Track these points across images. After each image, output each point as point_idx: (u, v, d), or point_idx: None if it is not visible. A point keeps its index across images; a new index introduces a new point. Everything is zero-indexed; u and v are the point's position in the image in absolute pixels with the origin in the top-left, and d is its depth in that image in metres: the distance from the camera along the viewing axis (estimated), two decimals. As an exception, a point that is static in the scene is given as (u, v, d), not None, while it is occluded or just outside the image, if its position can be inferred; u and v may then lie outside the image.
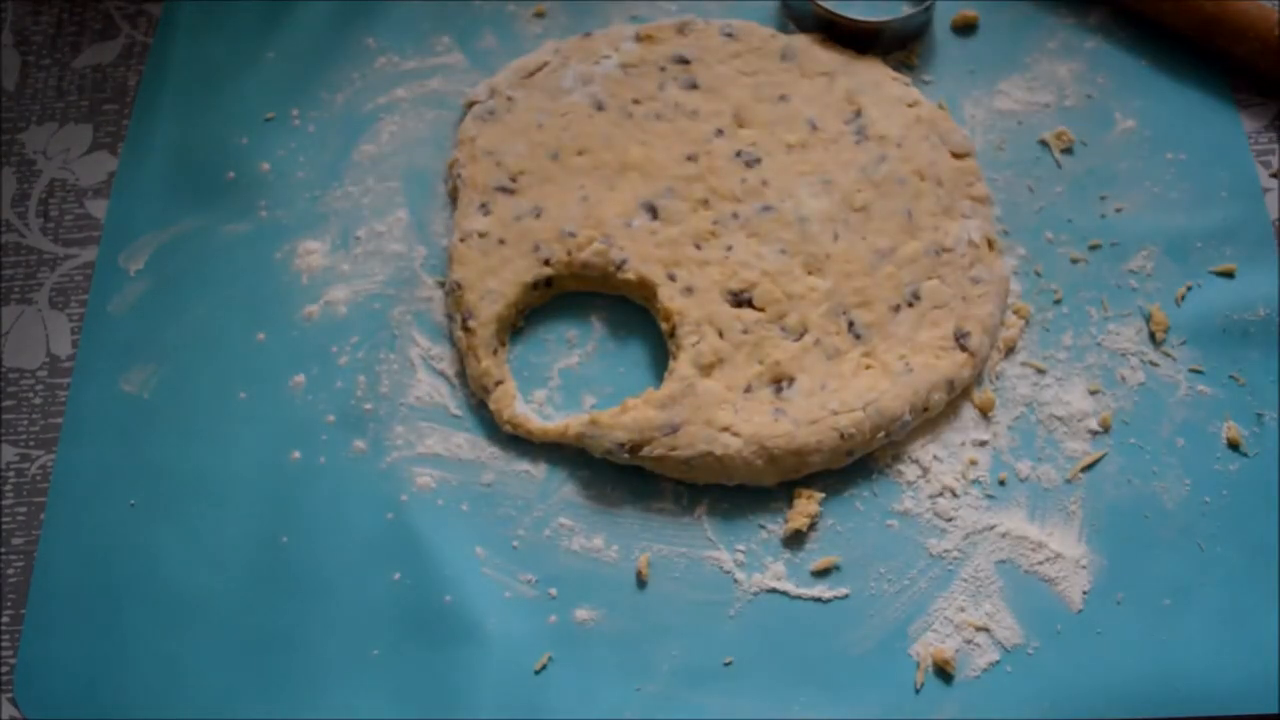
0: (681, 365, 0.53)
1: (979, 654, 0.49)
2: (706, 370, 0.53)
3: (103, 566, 0.51)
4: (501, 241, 0.56)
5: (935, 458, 0.53)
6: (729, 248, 0.55)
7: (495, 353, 0.54)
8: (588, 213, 0.56)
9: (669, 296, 0.54)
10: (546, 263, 0.55)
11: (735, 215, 0.56)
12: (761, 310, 0.54)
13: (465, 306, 0.55)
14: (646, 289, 0.55)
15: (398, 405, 0.54)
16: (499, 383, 0.54)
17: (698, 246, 0.55)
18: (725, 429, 0.51)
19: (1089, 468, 0.53)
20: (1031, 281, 0.57)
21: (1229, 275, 0.57)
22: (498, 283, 0.55)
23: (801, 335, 0.53)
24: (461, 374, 0.55)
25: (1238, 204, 0.59)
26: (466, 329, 0.54)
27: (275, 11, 0.65)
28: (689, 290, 0.54)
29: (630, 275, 0.55)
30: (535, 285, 0.56)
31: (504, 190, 0.57)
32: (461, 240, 0.56)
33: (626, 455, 0.51)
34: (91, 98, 0.64)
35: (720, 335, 0.53)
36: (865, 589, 0.50)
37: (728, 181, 0.57)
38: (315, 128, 0.62)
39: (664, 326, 0.55)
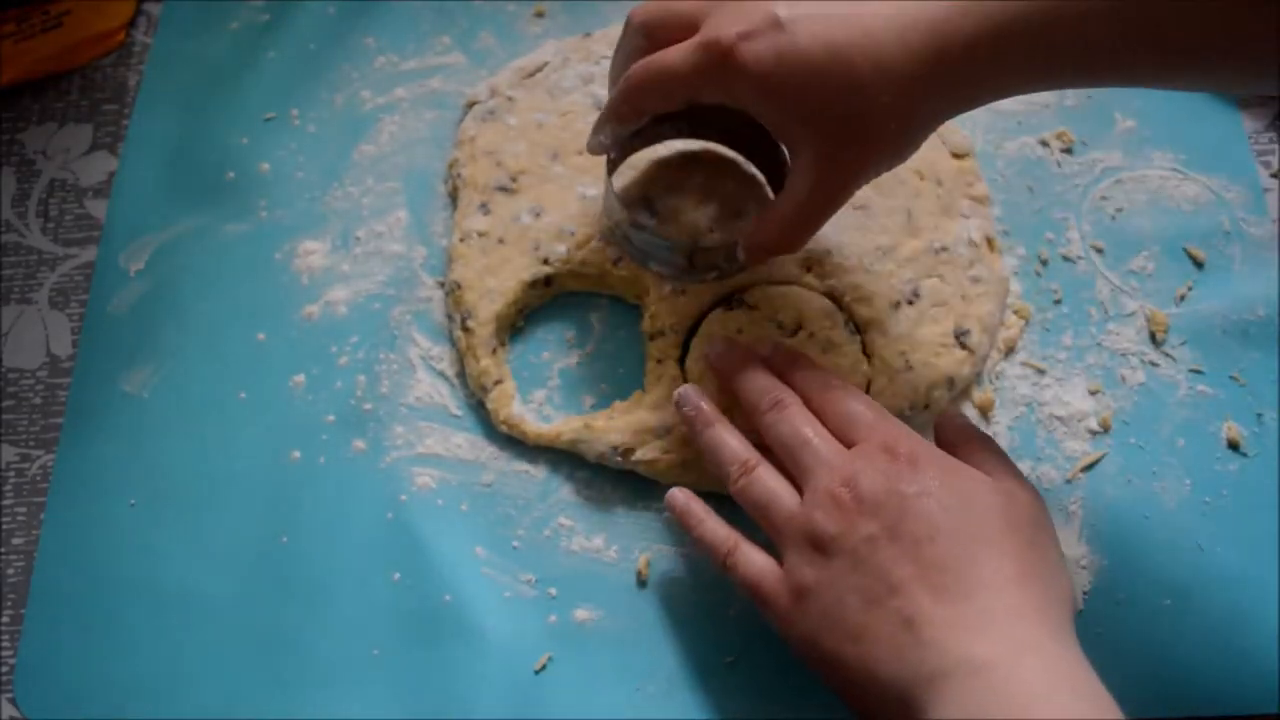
0: (671, 366, 0.53)
1: (979, 654, 0.49)
2: (697, 378, 0.52)
3: (103, 566, 0.51)
4: (501, 241, 0.56)
5: (935, 458, 0.53)
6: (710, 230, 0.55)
7: (494, 352, 0.54)
8: (586, 210, 0.56)
9: (659, 297, 0.54)
10: (545, 261, 0.55)
11: (735, 213, 0.56)
12: (756, 308, 0.54)
13: (465, 306, 0.55)
14: (640, 286, 0.55)
15: (397, 405, 0.54)
16: (498, 382, 0.54)
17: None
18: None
19: (1089, 468, 0.53)
20: (1031, 281, 0.57)
21: (1229, 275, 0.57)
22: (497, 282, 0.55)
23: (796, 331, 0.53)
24: (462, 374, 0.55)
25: (1238, 204, 0.59)
26: (466, 328, 0.54)
27: (275, 11, 0.65)
28: (680, 291, 0.54)
29: (625, 272, 0.55)
30: (534, 284, 0.55)
31: (504, 190, 0.57)
32: (461, 240, 0.56)
33: (619, 459, 0.51)
34: (91, 98, 0.64)
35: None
36: (865, 589, 0.50)
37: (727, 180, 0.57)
38: (315, 128, 0.62)
39: (649, 326, 0.54)
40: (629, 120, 0.50)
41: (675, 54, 0.46)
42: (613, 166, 0.54)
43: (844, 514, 0.42)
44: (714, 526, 0.47)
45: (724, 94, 0.46)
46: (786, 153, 0.49)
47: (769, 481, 0.46)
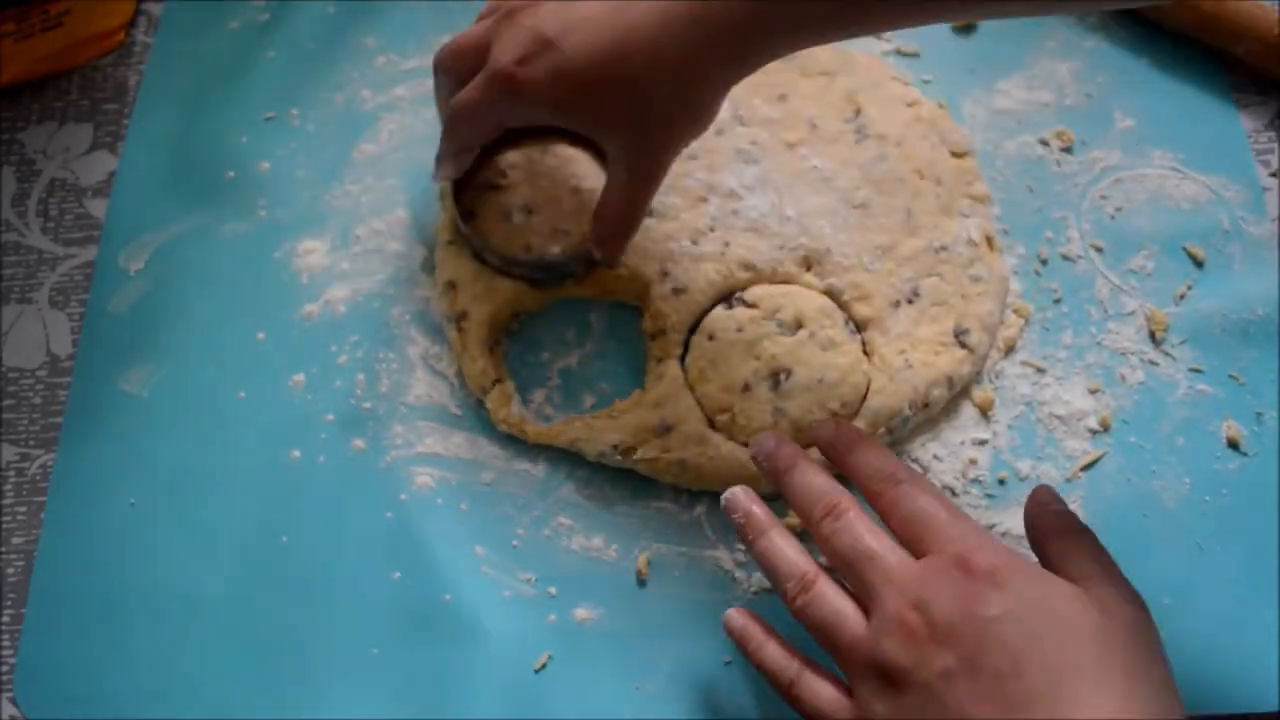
0: (671, 365, 0.53)
1: (979, 653, 0.48)
2: (697, 377, 0.52)
3: (102, 566, 0.51)
4: (491, 242, 0.56)
5: (935, 457, 0.53)
6: (726, 244, 0.55)
7: (491, 351, 0.54)
8: (583, 205, 0.56)
9: (660, 295, 0.54)
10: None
11: (735, 212, 0.56)
12: (755, 307, 0.54)
13: (458, 307, 0.54)
14: (639, 285, 0.55)
15: (397, 404, 0.54)
16: (496, 381, 0.54)
17: (694, 242, 0.55)
18: (721, 430, 0.51)
19: (1089, 467, 0.53)
20: (1031, 281, 0.57)
21: (1228, 274, 0.57)
22: (491, 282, 0.55)
23: (796, 329, 0.53)
24: (461, 373, 0.55)
25: (1238, 204, 0.59)
26: (460, 329, 0.54)
27: (275, 11, 0.65)
28: (680, 290, 0.54)
29: (624, 271, 0.55)
30: (532, 284, 0.55)
31: (493, 187, 0.57)
32: (449, 242, 0.56)
33: (619, 458, 0.51)
34: (91, 97, 0.64)
35: (710, 338, 0.53)
36: (865, 588, 0.50)
37: (727, 178, 0.57)
38: (315, 127, 0.62)
39: (649, 325, 0.54)
40: (462, 156, 0.53)
41: (471, 91, 0.48)
42: (458, 185, 0.55)
43: (916, 643, 0.38)
44: (774, 652, 0.43)
45: (520, 117, 0.48)
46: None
47: (832, 600, 0.42)
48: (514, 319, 0.56)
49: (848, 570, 0.42)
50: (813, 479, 0.45)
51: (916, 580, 0.40)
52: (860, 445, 0.46)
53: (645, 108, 0.45)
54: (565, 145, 0.56)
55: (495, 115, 0.48)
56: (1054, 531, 0.42)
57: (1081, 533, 0.42)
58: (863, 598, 0.41)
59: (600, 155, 0.56)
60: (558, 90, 0.45)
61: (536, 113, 0.47)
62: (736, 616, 0.45)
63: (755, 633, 0.44)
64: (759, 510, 0.45)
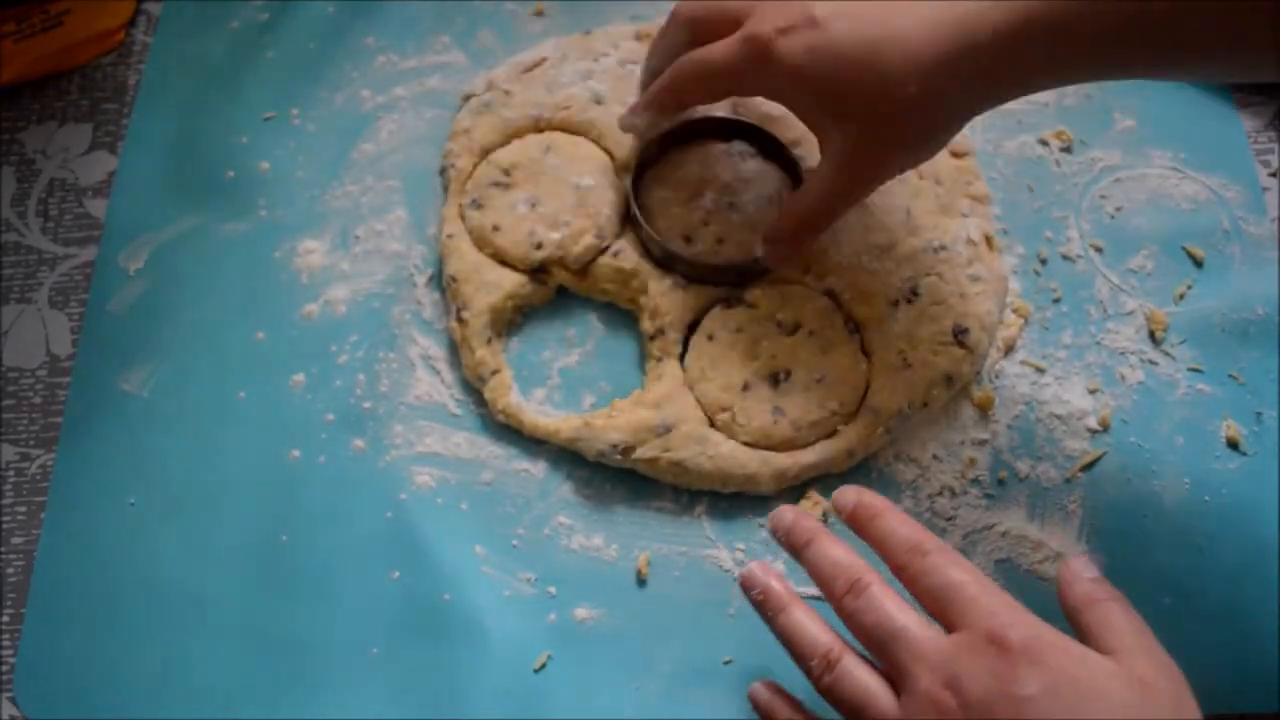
0: (671, 365, 0.53)
1: (978, 653, 0.48)
2: (697, 376, 0.52)
3: (102, 566, 0.51)
4: (496, 228, 0.56)
5: (935, 457, 0.53)
6: (719, 240, 0.55)
7: (489, 343, 0.54)
8: (583, 202, 0.56)
9: (660, 294, 0.54)
10: (539, 246, 0.55)
11: (731, 205, 0.56)
12: (755, 306, 0.54)
13: (460, 298, 0.55)
14: (638, 286, 0.55)
15: (397, 404, 0.54)
16: (495, 372, 0.54)
17: (688, 239, 0.55)
18: (721, 429, 0.51)
19: (1088, 467, 0.53)
20: (1031, 280, 0.57)
21: (1228, 274, 0.57)
22: (493, 275, 0.55)
23: (796, 330, 0.53)
24: (462, 375, 0.55)
25: (1238, 204, 0.59)
26: (460, 319, 0.54)
27: (275, 11, 0.65)
28: (680, 289, 0.54)
29: (624, 265, 0.55)
30: (531, 275, 0.55)
31: (497, 184, 0.57)
32: (450, 237, 0.56)
33: (619, 457, 0.51)
34: (91, 97, 0.64)
35: (710, 338, 0.53)
36: (865, 588, 0.50)
37: (724, 175, 0.57)
38: (315, 127, 0.62)
39: (649, 325, 0.54)
40: (668, 109, 0.54)
41: (719, 49, 0.49)
42: (637, 172, 0.56)
43: None
44: None
45: (761, 87, 0.49)
46: (816, 146, 0.51)
47: (859, 678, 0.40)
48: (517, 313, 0.56)
49: (876, 648, 0.41)
50: (832, 553, 0.43)
51: (948, 658, 0.38)
52: (883, 514, 0.44)
53: (887, 100, 0.45)
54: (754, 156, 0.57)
55: (732, 79, 0.49)
56: (1088, 601, 0.41)
57: (1116, 601, 0.41)
58: (892, 675, 0.40)
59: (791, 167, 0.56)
60: (810, 66, 0.46)
61: (779, 85, 0.48)
62: (762, 690, 0.45)
63: (780, 707, 0.44)
64: (777, 585, 0.44)
